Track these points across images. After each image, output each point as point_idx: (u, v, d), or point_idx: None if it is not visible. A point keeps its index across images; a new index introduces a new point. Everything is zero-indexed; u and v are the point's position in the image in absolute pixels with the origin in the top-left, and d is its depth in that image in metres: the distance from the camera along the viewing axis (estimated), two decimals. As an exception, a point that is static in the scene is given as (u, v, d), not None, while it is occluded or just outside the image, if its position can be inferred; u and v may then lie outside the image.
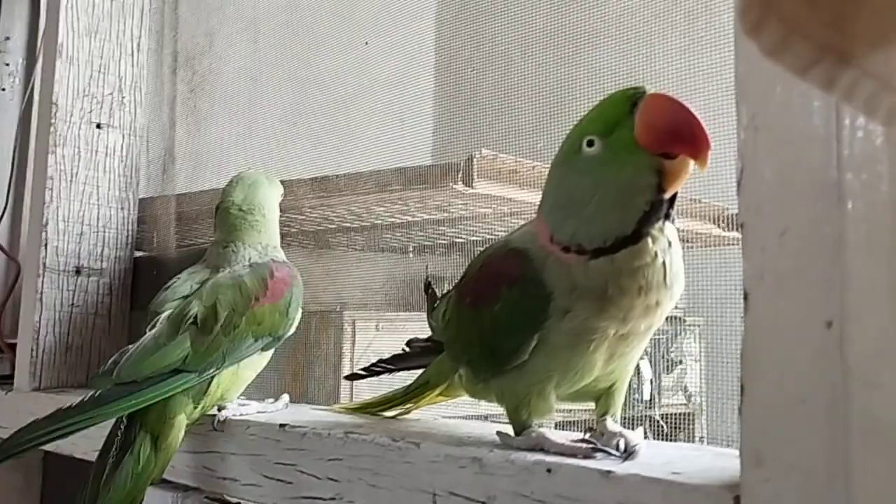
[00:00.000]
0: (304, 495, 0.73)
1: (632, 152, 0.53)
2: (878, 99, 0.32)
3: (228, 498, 0.87)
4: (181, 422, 0.80)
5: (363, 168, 1.03)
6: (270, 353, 0.87)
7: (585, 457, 0.56)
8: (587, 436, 0.60)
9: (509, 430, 0.63)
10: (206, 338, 0.80)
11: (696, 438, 1.05)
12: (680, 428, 1.08)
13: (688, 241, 1.00)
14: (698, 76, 0.78)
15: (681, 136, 0.52)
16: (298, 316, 0.88)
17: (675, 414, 1.09)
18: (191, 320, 0.81)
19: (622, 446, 0.56)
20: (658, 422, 1.07)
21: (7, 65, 1.47)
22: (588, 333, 0.56)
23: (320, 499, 0.71)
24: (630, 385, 1.11)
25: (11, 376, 1.26)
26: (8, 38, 1.48)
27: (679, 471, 0.51)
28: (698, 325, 1.08)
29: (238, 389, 0.86)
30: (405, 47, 1.08)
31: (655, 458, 0.56)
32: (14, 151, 1.43)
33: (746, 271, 0.46)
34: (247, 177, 0.93)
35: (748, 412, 0.45)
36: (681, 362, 1.12)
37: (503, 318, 0.59)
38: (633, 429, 0.62)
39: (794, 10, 0.33)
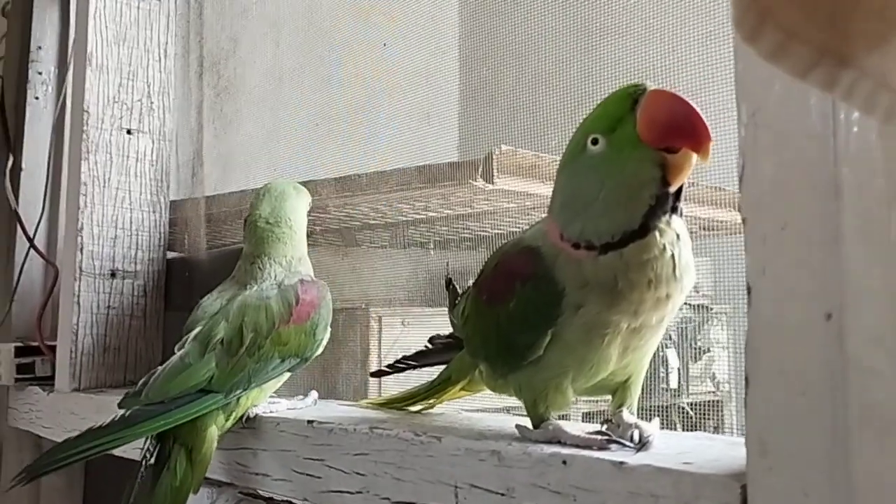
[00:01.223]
0: (332, 489, 0.75)
1: (635, 148, 0.54)
2: (876, 97, 0.33)
3: (262, 492, 0.89)
4: (213, 433, 0.83)
5: (391, 167, 1.05)
6: None
7: (600, 448, 0.57)
8: (604, 427, 0.62)
9: (528, 423, 0.64)
10: (232, 359, 0.82)
11: (726, 426, 1.05)
12: (708, 416, 1.09)
13: (712, 229, 1.01)
14: (719, 66, 0.79)
15: (681, 129, 0.53)
16: (327, 336, 0.89)
17: (704, 402, 1.09)
18: (217, 341, 0.83)
19: (636, 437, 0.58)
20: (686, 410, 1.08)
21: (40, 73, 1.51)
22: (601, 328, 0.57)
23: (347, 492, 0.73)
24: (657, 374, 1.12)
25: (53, 377, 1.30)
26: (40, 48, 1.52)
27: (690, 461, 0.52)
28: (725, 313, 1.08)
29: (266, 397, 0.88)
30: (429, 45, 1.09)
31: (669, 448, 0.57)
32: (49, 158, 1.47)
33: (749, 266, 0.47)
34: (274, 188, 0.95)
35: (752, 403, 0.46)
36: (708, 350, 1.12)
37: (517, 315, 0.60)
38: (649, 420, 0.64)
39: (791, 16, 0.34)
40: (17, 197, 1.45)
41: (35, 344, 1.35)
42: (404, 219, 1.14)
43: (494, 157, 0.97)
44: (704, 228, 1.02)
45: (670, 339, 1.12)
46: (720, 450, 0.56)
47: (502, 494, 0.60)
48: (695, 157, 0.53)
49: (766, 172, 0.46)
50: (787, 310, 0.45)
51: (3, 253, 1.51)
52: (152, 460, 0.82)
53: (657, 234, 0.55)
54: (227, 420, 0.84)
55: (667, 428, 1.00)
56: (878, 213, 0.41)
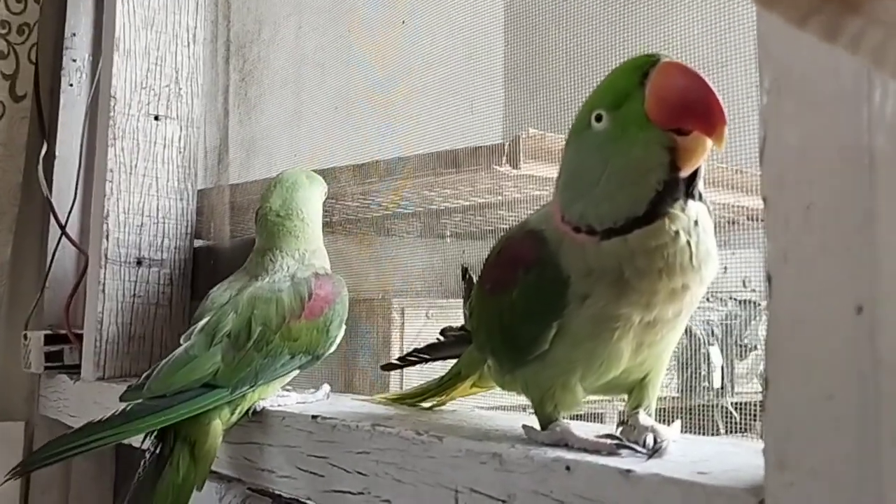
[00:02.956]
0: (334, 489, 0.71)
1: (642, 128, 0.49)
2: (886, 49, 0.28)
3: (269, 489, 0.86)
4: (217, 428, 0.79)
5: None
6: None
7: (609, 453, 0.52)
8: (618, 431, 0.56)
9: (536, 423, 0.59)
10: (238, 353, 0.78)
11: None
12: (755, 417, 1.02)
13: (761, 220, 0.94)
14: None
15: (693, 110, 0.47)
16: (341, 333, 0.85)
17: (750, 403, 1.03)
18: (224, 333, 0.79)
19: (650, 442, 0.52)
20: (730, 411, 1.02)
21: (74, 61, 1.50)
22: (610, 321, 0.52)
23: (349, 493, 0.69)
24: (699, 373, 1.06)
25: (80, 366, 1.28)
26: (74, 35, 1.50)
27: (705, 470, 0.46)
28: (774, 309, 1.01)
29: (275, 391, 0.84)
30: (472, 25, 1.04)
31: (686, 455, 0.52)
32: (81, 146, 1.46)
33: (769, 252, 0.41)
34: (286, 178, 0.91)
35: (771, 409, 0.41)
36: (756, 348, 1.06)
37: (520, 305, 0.55)
38: (669, 423, 0.58)
39: None
40: (50, 184, 1.44)
41: (64, 332, 1.34)
42: (430, 207, 1.09)
43: (521, 140, 0.92)
44: (751, 219, 0.95)
45: (713, 335, 1.06)
46: (743, 458, 0.50)
47: (503, 501, 0.55)
48: (708, 141, 0.47)
49: (789, 144, 0.41)
50: (813, 302, 0.39)
51: (37, 241, 1.51)
52: (155, 455, 0.79)
53: (667, 220, 0.49)
54: (232, 414, 0.80)
55: (710, 430, 0.94)
56: (918, 188, 0.35)
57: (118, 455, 1.47)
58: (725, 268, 0.87)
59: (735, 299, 1.04)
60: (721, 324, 1.06)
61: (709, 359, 1.04)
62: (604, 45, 0.89)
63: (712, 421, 1.01)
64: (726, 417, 1.02)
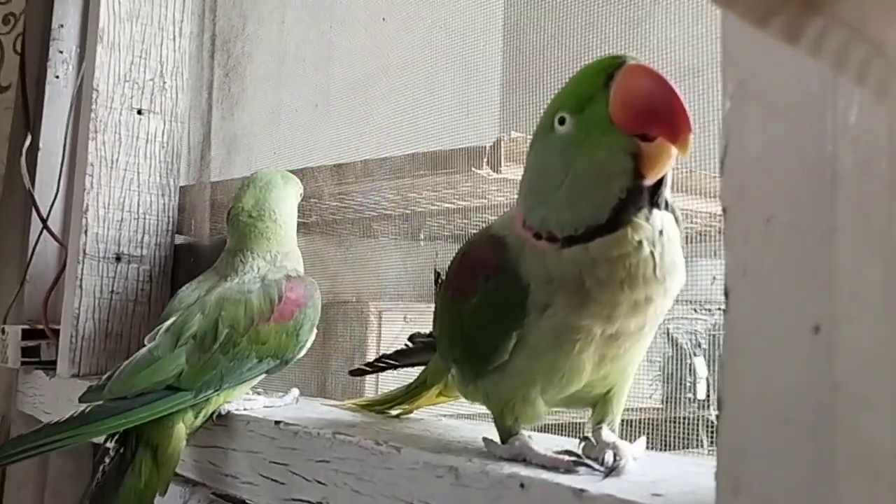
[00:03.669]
0: (294, 497, 0.69)
1: (605, 132, 0.46)
2: (848, 51, 0.26)
3: (233, 494, 0.84)
4: (181, 432, 0.77)
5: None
6: None
7: (567, 471, 0.50)
8: (580, 446, 0.54)
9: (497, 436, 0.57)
10: (204, 355, 0.76)
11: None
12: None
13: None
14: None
15: (657, 115, 0.45)
16: (312, 337, 0.83)
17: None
18: (190, 335, 0.77)
19: (609, 459, 0.50)
20: (714, 424, 1.00)
21: (61, 52, 1.48)
22: (571, 333, 0.50)
23: (308, 502, 0.67)
24: (684, 384, 1.03)
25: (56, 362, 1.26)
26: (62, 26, 1.49)
27: (661, 492, 0.44)
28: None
29: (241, 395, 0.82)
30: (469, 24, 1.01)
31: (645, 474, 0.49)
32: (65, 138, 1.44)
33: (728, 265, 0.39)
34: (260, 178, 0.89)
35: (725, 431, 0.39)
36: (742, 360, 1.04)
37: (480, 313, 0.53)
38: (633, 439, 0.56)
39: None
40: (33, 176, 1.43)
41: (41, 327, 1.32)
42: (411, 209, 1.07)
43: (502, 144, 0.90)
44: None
45: (699, 346, 1.04)
46: (703, 479, 0.48)
47: (457, 517, 0.53)
48: (673, 149, 0.45)
49: (752, 153, 0.39)
50: (770, 320, 0.37)
51: (19, 234, 1.49)
52: (117, 458, 0.77)
53: (630, 229, 0.47)
54: (196, 418, 0.78)
55: (693, 443, 0.92)
56: (880, 203, 0.33)
57: (95, 453, 1.45)
58: (714, 277, 0.84)
59: (722, 310, 1.02)
60: (707, 334, 1.04)
61: (694, 370, 1.02)
62: (607, 43, 0.87)
63: (696, 433, 0.99)
64: (710, 430, 1.00)
